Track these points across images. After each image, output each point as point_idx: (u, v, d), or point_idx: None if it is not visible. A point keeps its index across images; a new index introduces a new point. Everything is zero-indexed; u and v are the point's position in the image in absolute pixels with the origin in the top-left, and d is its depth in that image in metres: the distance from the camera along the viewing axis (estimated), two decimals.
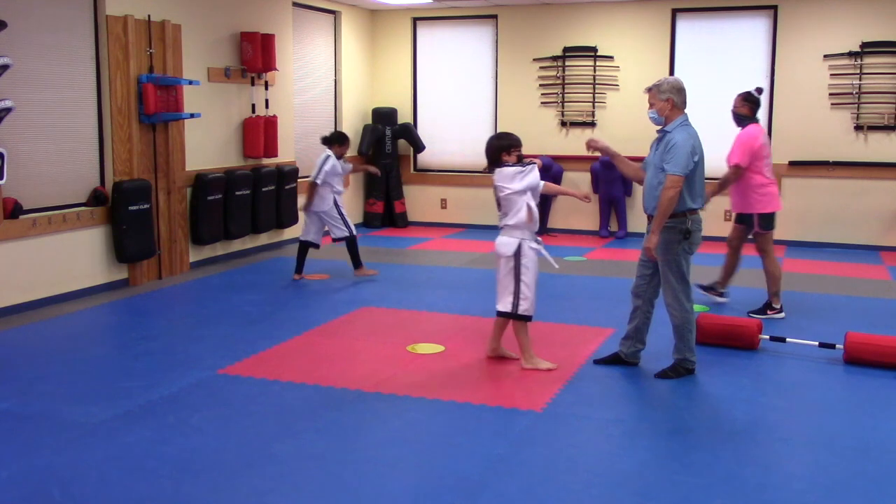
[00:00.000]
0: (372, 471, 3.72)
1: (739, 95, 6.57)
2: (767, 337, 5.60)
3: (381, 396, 4.65)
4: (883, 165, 9.59)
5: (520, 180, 5.01)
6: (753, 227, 6.53)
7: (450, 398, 4.61)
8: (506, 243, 5.07)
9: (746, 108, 6.51)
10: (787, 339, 5.56)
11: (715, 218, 10.31)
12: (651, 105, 4.99)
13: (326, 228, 7.74)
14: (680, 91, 4.92)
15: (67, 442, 3.99)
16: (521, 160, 5.10)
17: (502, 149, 5.11)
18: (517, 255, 5.04)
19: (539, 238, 5.18)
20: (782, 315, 6.48)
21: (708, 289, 6.90)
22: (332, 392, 4.72)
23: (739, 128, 6.54)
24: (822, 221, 9.94)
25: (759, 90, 6.64)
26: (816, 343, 5.46)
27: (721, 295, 6.90)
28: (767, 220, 6.50)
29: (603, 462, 3.87)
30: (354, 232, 7.73)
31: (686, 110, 5.02)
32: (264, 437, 4.06)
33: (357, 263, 7.81)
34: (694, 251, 4.98)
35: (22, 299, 6.54)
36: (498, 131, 5.38)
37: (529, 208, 5.00)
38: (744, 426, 4.26)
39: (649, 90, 4.99)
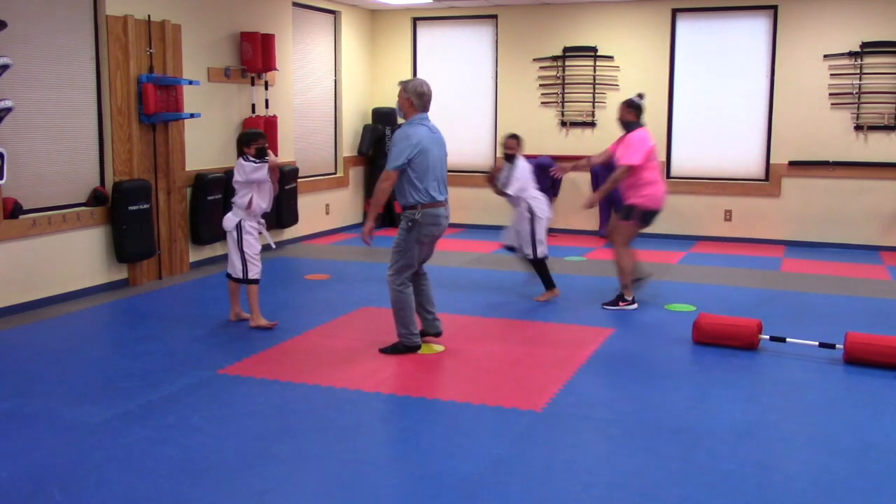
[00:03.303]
0: (372, 471, 3.72)
1: (623, 103, 6.90)
2: (767, 337, 5.60)
3: (381, 396, 4.65)
4: (883, 165, 9.59)
5: (250, 173, 5.86)
6: (631, 217, 6.79)
7: (450, 398, 4.61)
8: (228, 219, 6.03)
9: (632, 114, 6.83)
10: (787, 339, 5.56)
11: (715, 218, 10.33)
12: (398, 99, 5.37)
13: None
14: (420, 95, 5.27)
15: (67, 442, 4.00)
16: (261, 155, 5.91)
17: (241, 142, 6.01)
18: (238, 229, 5.93)
19: (262, 221, 6.08)
20: (635, 306, 6.73)
21: (631, 285, 6.98)
22: (332, 392, 4.72)
23: (626, 132, 6.82)
24: (822, 221, 9.94)
25: (641, 96, 6.93)
26: (816, 343, 5.46)
27: (631, 302, 6.80)
28: (647, 216, 6.81)
29: (603, 462, 3.87)
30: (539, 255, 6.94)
31: (428, 112, 5.34)
32: (264, 437, 4.06)
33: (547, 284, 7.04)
34: (427, 241, 5.35)
35: (22, 299, 6.54)
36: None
37: (251, 199, 5.92)
38: (744, 426, 4.26)
39: (400, 84, 5.36)
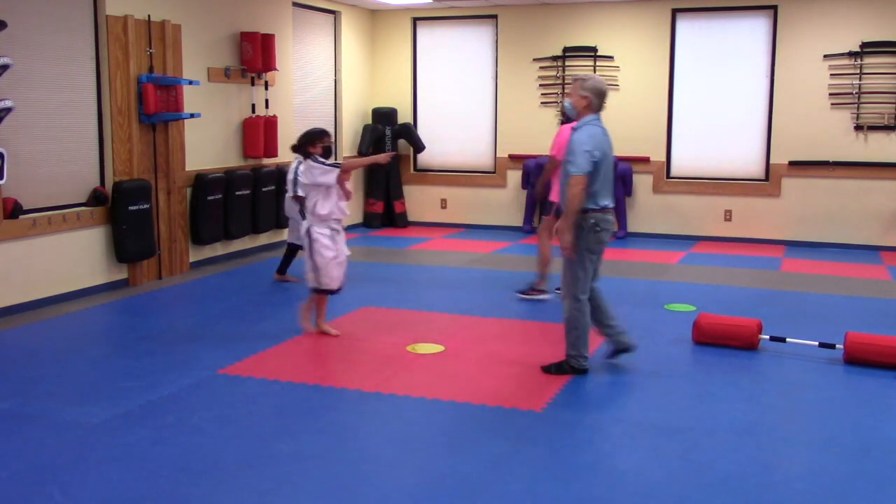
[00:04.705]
0: (372, 471, 3.72)
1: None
2: (767, 337, 5.60)
3: (381, 396, 4.65)
4: (883, 165, 9.59)
5: (318, 176, 5.58)
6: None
7: (450, 398, 4.61)
8: (301, 225, 5.78)
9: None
10: (787, 339, 5.56)
11: (715, 218, 10.33)
12: (570, 95, 5.12)
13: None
14: (599, 94, 5.01)
15: (67, 442, 4.00)
16: (328, 153, 5.70)
17: (306, 141, 5.68)
18: (308, 236, 5.66)
19: (336, 227, 5.69)
20: (547, 296, 6.96)
21: (528, 291, 7.09)
22: (332, 392, 4.72)
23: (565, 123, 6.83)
24: (822, 221, 9.94)
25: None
26: (816, 343, 5.46)
27: (543, 292, 7.07)
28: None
29: (603, 462, 3.87)
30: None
31: (600, 113, 5.10)
32: (264, 437, 4.06)
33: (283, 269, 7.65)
34: (598, 251, 5.03)
35: (22, 299, 6.54)
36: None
37: (316, 203, 5.62)
38: (744, 426, 4.26)
39: (575, 80, 5.11)
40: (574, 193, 4.81)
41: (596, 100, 4.98)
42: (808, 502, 3.45)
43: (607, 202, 4.95)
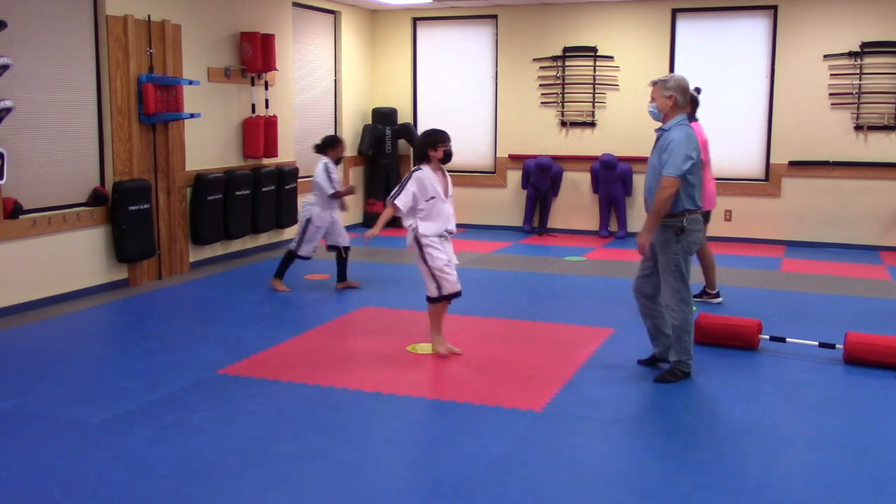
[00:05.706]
0: (372, 471, 3.72)
1: None
2: (767, 337, 5.60)
3: (381, 396, 4.65)
4: (883, 165, 9.59)
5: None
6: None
7: (450, 398, 4.61)
8: (409, 235, 5.32)
9: (689, 107, 6.62)
10: (787, 339, 5.56)
11: (715, 218, 10.31)
12: (653, 99, 4.98)
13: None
14: (684, 91, 4.91)
15: (67, 442, 4.00)
16: (448, 158, 5.25)
17: (426, 145, 5.23)
18: (418, 243, 5.26)
19: (446, 235, 5.30)
20: (720, 300, 6.89)
21: (701, 295, 6.89)
22: (332, 392, 4.72)
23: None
24: (822, 221, 9.95)
25: (698, 90, 6.68)
26: (816, 343, 5.46)
27: (716, 296, 6.95)
28: (705, 217, 6.56)
29: (603, 462, 3.87)
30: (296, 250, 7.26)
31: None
32: (264, 437, 4.06)
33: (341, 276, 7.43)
34: (693, 251, 4.96)
35: (22, 299, 6.54)
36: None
37: (426, 213, 5.23)
38: (744, 426, 4.26)
39: (654, 84, 4.99)
40: (669, 196, 4.74)
41: (681, 97, 4.89)
42: (808, 502, 3.45)
43: (701, 202, 4.97)
